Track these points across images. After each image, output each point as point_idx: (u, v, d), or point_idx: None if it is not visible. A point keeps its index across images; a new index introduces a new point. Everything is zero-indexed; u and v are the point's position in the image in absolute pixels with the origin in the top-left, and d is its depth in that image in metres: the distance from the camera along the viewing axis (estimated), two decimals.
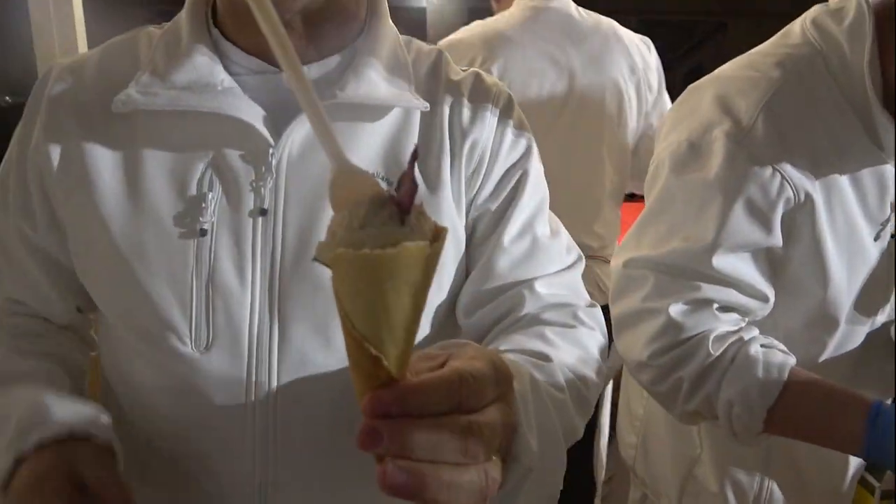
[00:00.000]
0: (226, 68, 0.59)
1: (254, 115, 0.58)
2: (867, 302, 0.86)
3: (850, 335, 0.87)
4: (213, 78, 0.58)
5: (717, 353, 0.77)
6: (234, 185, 0.59)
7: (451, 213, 0.63)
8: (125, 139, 0.60)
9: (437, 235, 0.33)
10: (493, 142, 0.66)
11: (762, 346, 0.78)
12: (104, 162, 0.59)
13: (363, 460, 0.63)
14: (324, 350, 0.59)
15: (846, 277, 0.83)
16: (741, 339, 0.79)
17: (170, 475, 0.64)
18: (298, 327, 0.59)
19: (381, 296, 0.32)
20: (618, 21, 1.65)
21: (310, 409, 0.61)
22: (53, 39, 1.11)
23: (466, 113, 0.65)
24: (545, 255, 0.67)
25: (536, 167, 0.69)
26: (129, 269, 0.58)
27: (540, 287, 0.65)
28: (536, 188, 0.68)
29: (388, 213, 0.32)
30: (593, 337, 0.65)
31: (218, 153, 0.59)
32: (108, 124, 0.60)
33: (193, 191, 0.58)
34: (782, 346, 0.80)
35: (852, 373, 0.88)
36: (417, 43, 0.69)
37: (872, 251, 0.84)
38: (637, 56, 1.59)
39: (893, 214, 0.83)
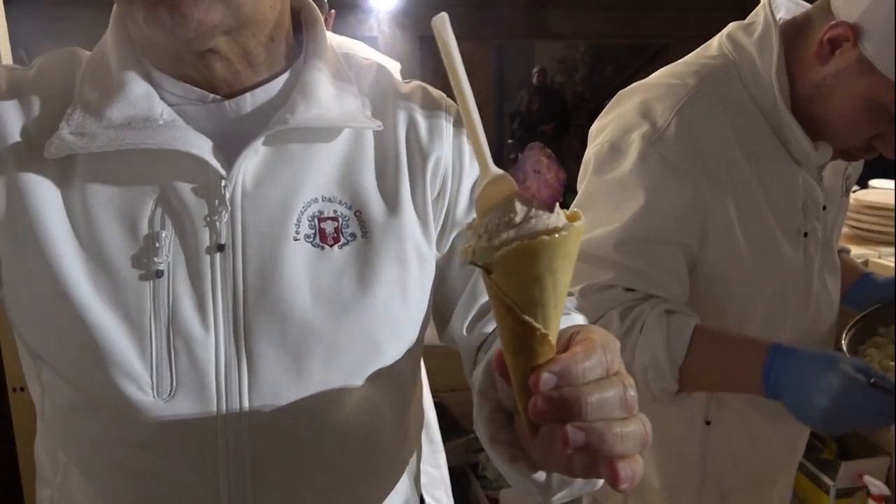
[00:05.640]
0: (161, 98, 0.55)
1: (203, 147, 0.54)
2: (782, 301, 0.90)
3: (767, 334, 0.90)
4: (152, 111, 0.54)
5: (627, 326, 0.82)
6: (187, 222, 0.55)
7: (414, 235, 0.61)
8: (66, 179, 0.55)
9: (575, 215, 0.38)
10: (454, 156, 0.64)
11: (666, 311, 0.83)
12: (48, 202, 0.55)
13: (338, 493, 0.61)
14: (296, 384, 0.57)
15: (760, 276, 0.87)
16: (646, 308, 0.83)
17: None
18: (268, 364, 0.56)
19: (552, 275, 0.37)
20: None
21: (285, 445, 0.58)
22: None
23: (423, 130, 0.63)
24: None
25: None
26: (81, 315, 0.53)
27: None
28: None
29: (537, 205, 0.36)
30: (584, 322, 0.65)
31: (167, 189, 0.55)
32: (46, 161, 0.54)
33: (145, 230, 0.55)
34: (686, 309, 0.85)
35: None
36: (356, 57, 0.67)
37: (786, 249, 0.88)
38: None
39: (803, 214, 0.88)
